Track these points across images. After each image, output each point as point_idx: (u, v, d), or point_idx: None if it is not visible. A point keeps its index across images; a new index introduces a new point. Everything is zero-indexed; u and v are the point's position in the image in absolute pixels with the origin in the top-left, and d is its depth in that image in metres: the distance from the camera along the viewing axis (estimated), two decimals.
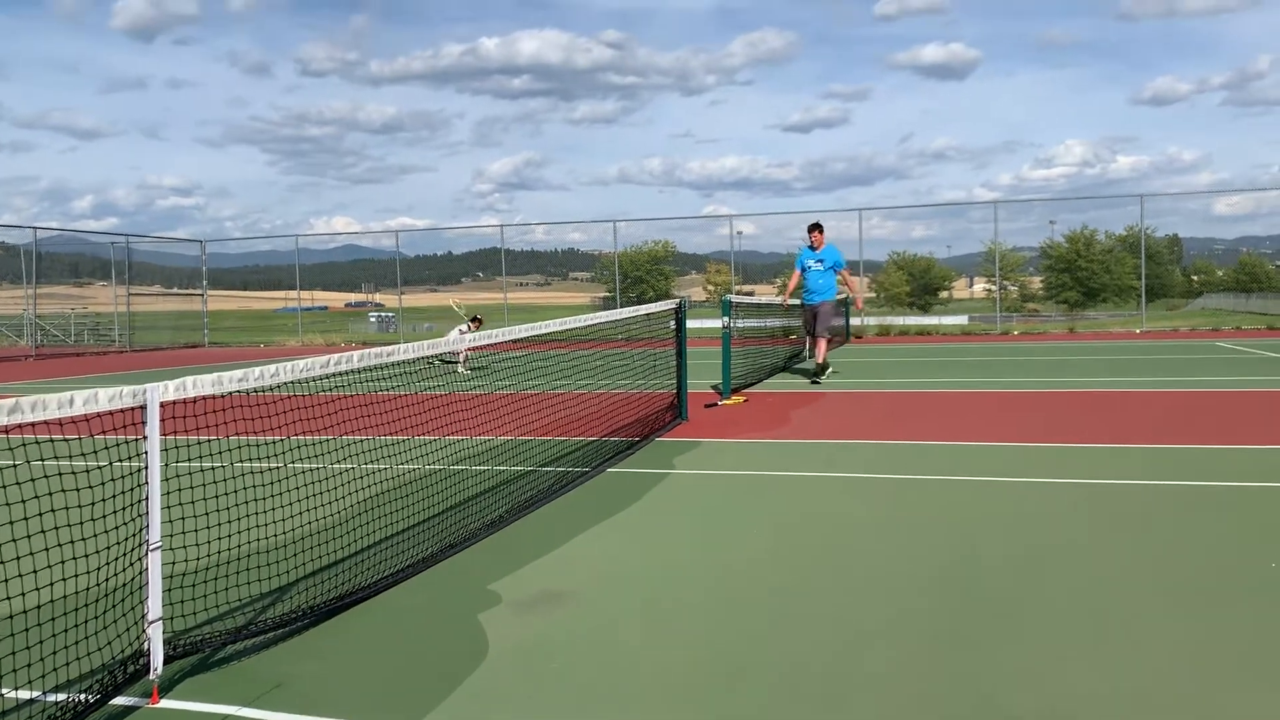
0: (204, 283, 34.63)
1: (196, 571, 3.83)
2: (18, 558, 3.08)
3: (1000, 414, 9.86)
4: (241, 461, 4.47)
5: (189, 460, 4.13)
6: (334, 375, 4.13)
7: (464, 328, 17.09)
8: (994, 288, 39.45)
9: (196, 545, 3.80)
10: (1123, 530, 5.09)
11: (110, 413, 3.08)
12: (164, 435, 3.25)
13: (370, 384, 5.03)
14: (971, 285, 68.27)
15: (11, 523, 3.05)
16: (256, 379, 3.63)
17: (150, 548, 3.19)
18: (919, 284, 64.45)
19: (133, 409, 3.15)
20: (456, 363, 14.42)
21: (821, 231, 13.09)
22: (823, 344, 13.30)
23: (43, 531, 3.12)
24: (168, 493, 3.33)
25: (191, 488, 3.92)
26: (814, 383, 12.92)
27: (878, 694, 3.13)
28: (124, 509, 3.30)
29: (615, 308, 37.75)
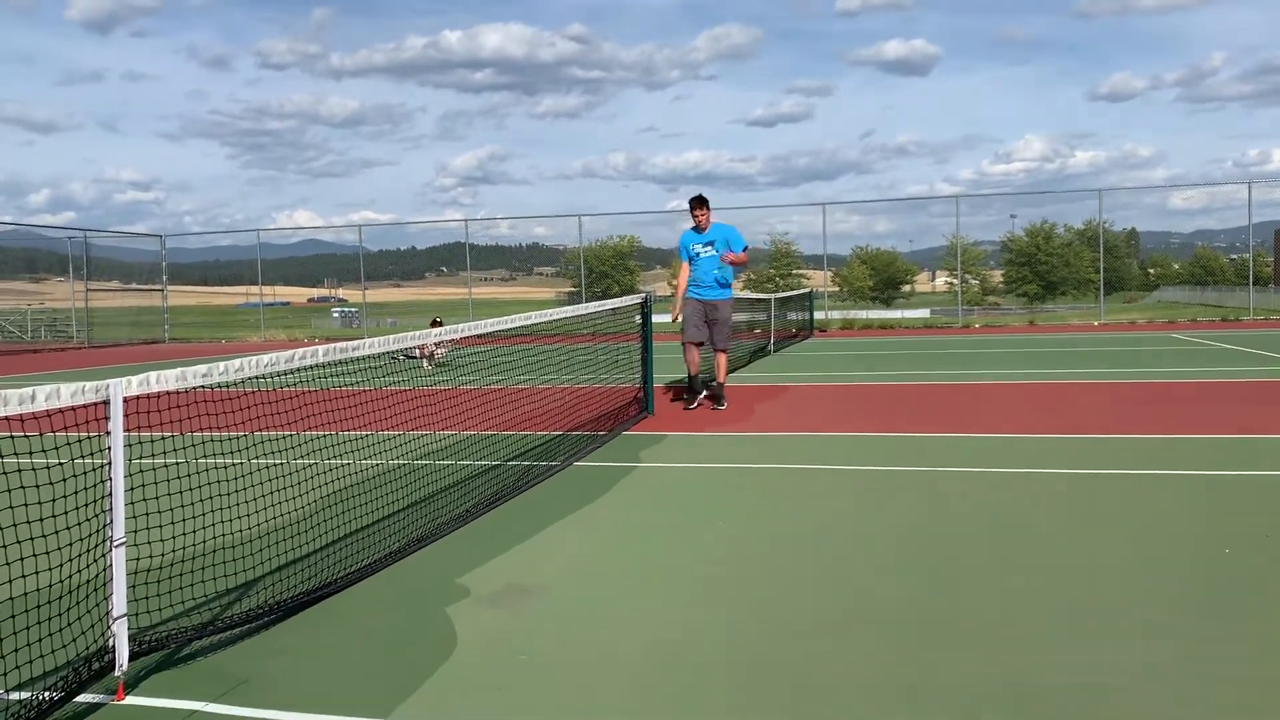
0: (164, 278, 34.18)
1: (161, 568, 3.80)
2: None
3: (966, 407, 9.97)
4: (205, 457, 4.43)
5: (151, 456, 4.09)
6: (298, 370, 4.11)
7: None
8: (955, 281, 39.84)
9: (161, 541, 3.76)
10: (1087, 518, 5.17)
11: (73, 408, 3.05)
12: (127, 431, 3.22)
13: (334, 379, 5.00)
14: (933, 279, 68.86)
15: None
16: (221, 374, 3.60)
17: (114, 544, 3.16)
18: (882, 278, 64.92)
19: (96, 404, 3.12)
20: (419, 359, 14.37)
21: (707, 207, 10.26)
22: (723, 360, 10.33)
23: (0, 529, 3.09)
24: (131, 489, 3.30)
25: (155, 483, 3.89)
26: (710, 407, 10.06)
27: (848, 682, 3.17)
28: (87, 505, 3.27)
29: (581, 302, 37.71)
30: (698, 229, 10.22)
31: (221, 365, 3.62)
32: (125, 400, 3.21)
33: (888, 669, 3.26)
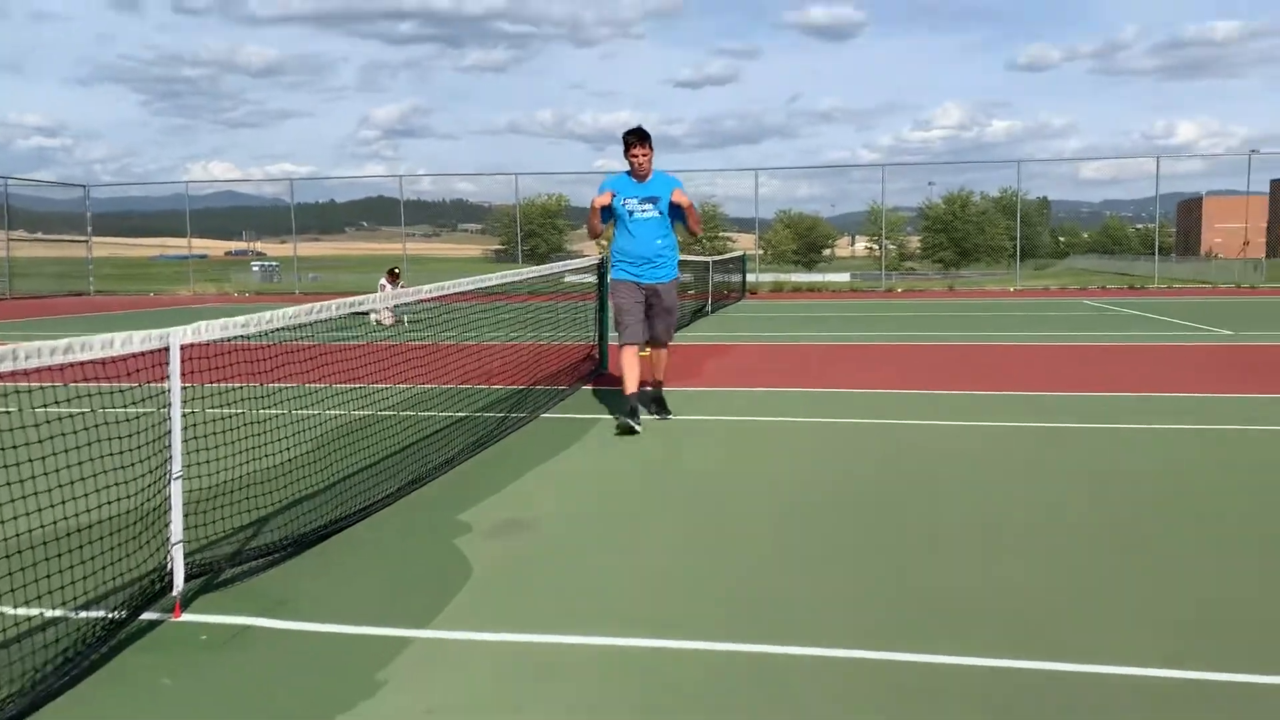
0: (89, 229, 33.38)
1: (198, 501, 4.13)
2: (52, 487, 3.34)
3: (896, 364, 10.59)
4: (219, 407, 4.71)
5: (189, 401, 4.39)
6: (314, 323, 4.45)
7: (383, 281, 17.10)
8: (874, 246, 40.87)
9: (198, 478, 4.09)
10: (1029, 469, 5.78)
11: (136, 355, 3.37)
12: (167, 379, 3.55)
13: (301, 335, 5.24)
14: (853, 244, 70.24)
15: (55, 454, 3.31)
16: (257, 325, 3.94)
17: (172, 477, 3.51)
18: (804, 242, 66.00)
19: (156, 351, 3.45)
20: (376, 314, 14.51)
21: (650, 147, 7.05)
22: (664, 356, 7.57)
23: (62, 467, 3.38)
24: (182, 428, 3.63)
25: (192, 425, 4.20)
26: (659, 417, 7.31)
27: (817, 596, 3.67)
28: (148, 444, 3.61)
29: (511, 260, 37.78)
30: (635, 175, 7.08)
31: (257, 316, 3.96)
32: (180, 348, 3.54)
33: (851, 588, 3.77)
